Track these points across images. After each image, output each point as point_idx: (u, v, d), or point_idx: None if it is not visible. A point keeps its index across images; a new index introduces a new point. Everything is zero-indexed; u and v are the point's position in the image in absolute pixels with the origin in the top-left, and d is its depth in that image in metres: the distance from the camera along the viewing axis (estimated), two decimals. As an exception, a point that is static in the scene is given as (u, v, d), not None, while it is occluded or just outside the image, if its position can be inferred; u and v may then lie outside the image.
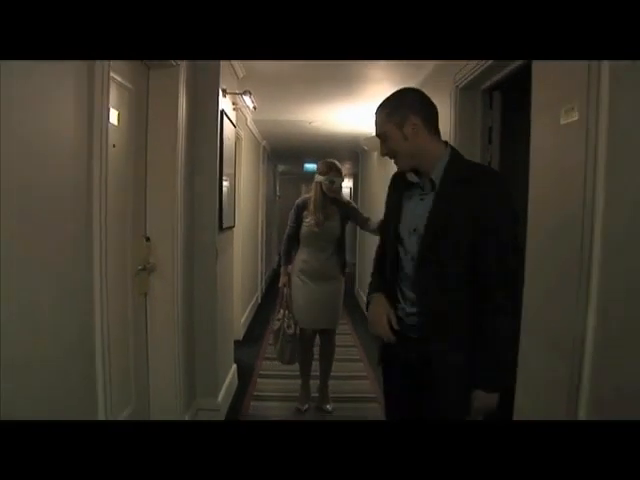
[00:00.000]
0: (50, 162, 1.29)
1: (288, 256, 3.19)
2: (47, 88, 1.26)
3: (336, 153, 7.90)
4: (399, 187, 1.55)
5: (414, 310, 1.46)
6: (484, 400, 1.37)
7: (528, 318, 1.80)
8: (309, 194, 3.10)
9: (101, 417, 1.56)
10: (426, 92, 1.59)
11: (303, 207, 3.06)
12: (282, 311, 3.10)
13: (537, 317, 1.77)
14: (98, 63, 1.49)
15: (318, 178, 2.99)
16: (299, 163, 9.35)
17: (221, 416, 2.92)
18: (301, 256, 3.08)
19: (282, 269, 3.18)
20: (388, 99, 1.49)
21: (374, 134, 1.56)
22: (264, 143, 6.63)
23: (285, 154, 8.39)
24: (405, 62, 3.11)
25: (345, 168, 10.06)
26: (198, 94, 2.64)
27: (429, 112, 1.46)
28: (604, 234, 1.37)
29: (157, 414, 2.39)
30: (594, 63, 1.41)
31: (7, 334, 1.08)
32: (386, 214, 1.63)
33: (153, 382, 2.40)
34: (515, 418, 1.86)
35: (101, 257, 1.54)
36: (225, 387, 3.09)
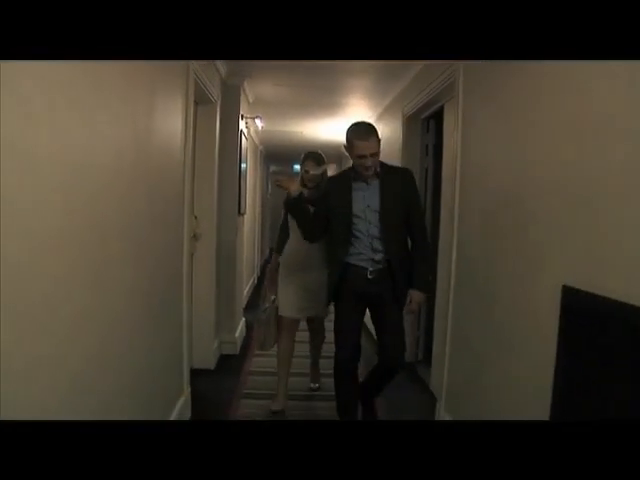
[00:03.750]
0: (170, 153, 2.38)
1: (279, 245, 3.14)
2: (170, 107, 2.36)
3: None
4: (345, 183, 2.42)
5: (381, 255, 2.37)
6: (417, 295, 2.43)
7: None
8: None
9: (185, 317, 2.70)
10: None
11: None
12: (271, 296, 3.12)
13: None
14: (190, 95, 2.61)
15: (299, 169, 3.03)
16: (289, 164, 10.32)
17: (236, 349, 4.05)
18: (290, 244, 3.05)
19: (274, 255, 3.23)
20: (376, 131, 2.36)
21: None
22: (261, 147, 7.73)
23: (278, 157, 9.48)
24: (372, 94, 4.26)
25: (331, 168, 11.02)
26: (226, 119, 3.76)
27: None
28: (459, 205, 2.59)
29: (197, 337, 3.51)
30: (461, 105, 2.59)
31: (160, 258, 2.21)
32: (333, 201, 2.42)
33: (195, 314, 3.51)
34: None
35: (185, 224, 2.69)
36: (239, 329, 4.23)
